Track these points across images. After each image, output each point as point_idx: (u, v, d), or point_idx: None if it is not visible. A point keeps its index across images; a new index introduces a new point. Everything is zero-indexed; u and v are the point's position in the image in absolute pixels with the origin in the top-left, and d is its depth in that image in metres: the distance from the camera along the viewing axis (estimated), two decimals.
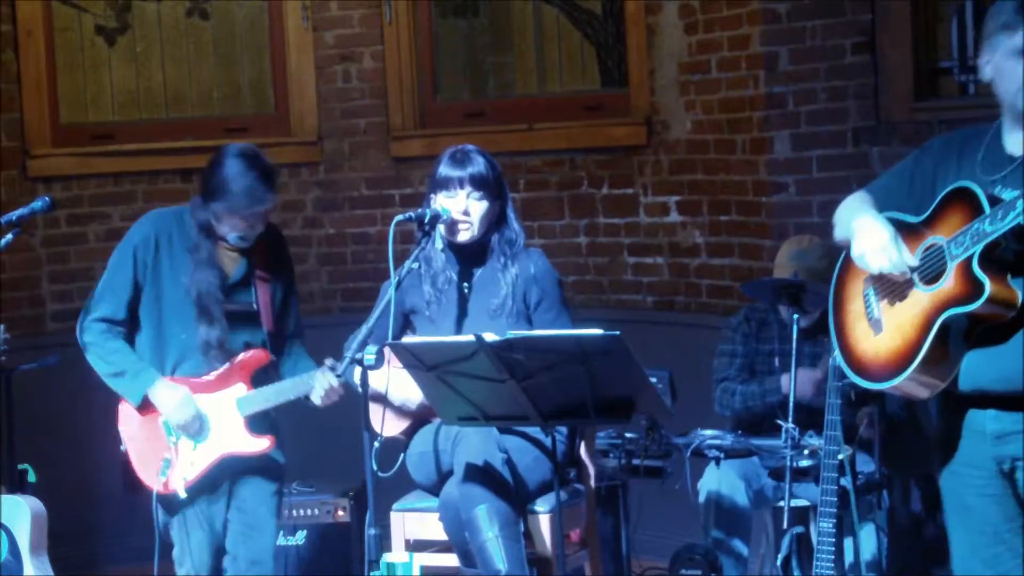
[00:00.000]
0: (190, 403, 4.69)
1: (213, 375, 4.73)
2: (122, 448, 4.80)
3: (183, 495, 4.69)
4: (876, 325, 3.57)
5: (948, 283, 3.42)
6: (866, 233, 3.53)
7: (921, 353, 3.43)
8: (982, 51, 3.52)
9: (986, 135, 3.55)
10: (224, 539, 4.78)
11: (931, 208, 3.51)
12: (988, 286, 3.34)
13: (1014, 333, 3.41)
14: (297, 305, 4.95)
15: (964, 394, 3.49)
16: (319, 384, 4.63)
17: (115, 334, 4.77)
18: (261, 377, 4.78)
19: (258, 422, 4.77)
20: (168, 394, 4.68)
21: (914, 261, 3.49)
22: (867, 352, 3.59)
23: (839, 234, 3.66)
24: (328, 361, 4.62)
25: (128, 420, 4.79)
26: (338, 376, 4.57)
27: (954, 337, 3.44)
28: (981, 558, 3.56)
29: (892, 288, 3.54)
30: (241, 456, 4.74)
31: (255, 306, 4.78)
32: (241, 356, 4.74)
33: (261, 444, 4.74)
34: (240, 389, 4.74)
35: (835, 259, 3.73)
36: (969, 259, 3.37)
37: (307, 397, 4.70)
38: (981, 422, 3.50)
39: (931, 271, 3.46)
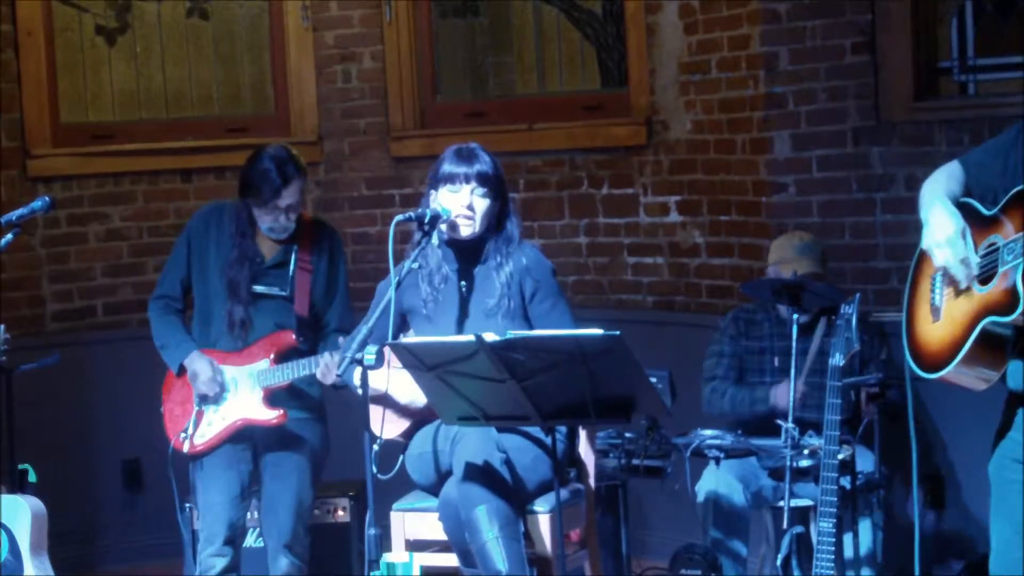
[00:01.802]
0: (213, 373, 5.16)
1: (243, 350, 5.19)
2: (160, 409, 5.29)
3: (185, 450, 5.17)
4: (936, 312, 3.54)
5: (994, 288, 3.38)
6: (936, 223, 3.48)
7: (963, 352, 3.41)
8: None
9: None
10: (243, 503, 5.23)
11: (1002, 202, 3.44)
12: None
13: None
14: (344, 301, 5.32)
15: (1016, 392, 3.48)
16: (323, 360, 5.02)
17: (170, 310, 5.32)
18: (290, 357, 5.17)
19: (286, 398, 5.19)
20: (196, 364, 5.18)
21: (976, 258, 3.44)
22: (923, 337, 3.57)
23: (921, 213, 3.58)
24: (341, 338, 5.00)
25: (170, 385, 5.29)
26: (338, 375, 4.60)
27: (1004, 342, 3.41)
28: (1016, 557, 3.53)
29: (955, 279, 3.50)
30: (258, 424, 5.15)
31: (287, 292, 5.21)
32: (269, 335, 5.18)
33: (273, 415, 5.15)
34: (263, 364, 5.17)
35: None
36: (1015, 268, 3.33)
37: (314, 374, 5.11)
38: None
39: (987, 270, 3.42)
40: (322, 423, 5.29)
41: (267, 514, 5.26)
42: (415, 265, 4.61)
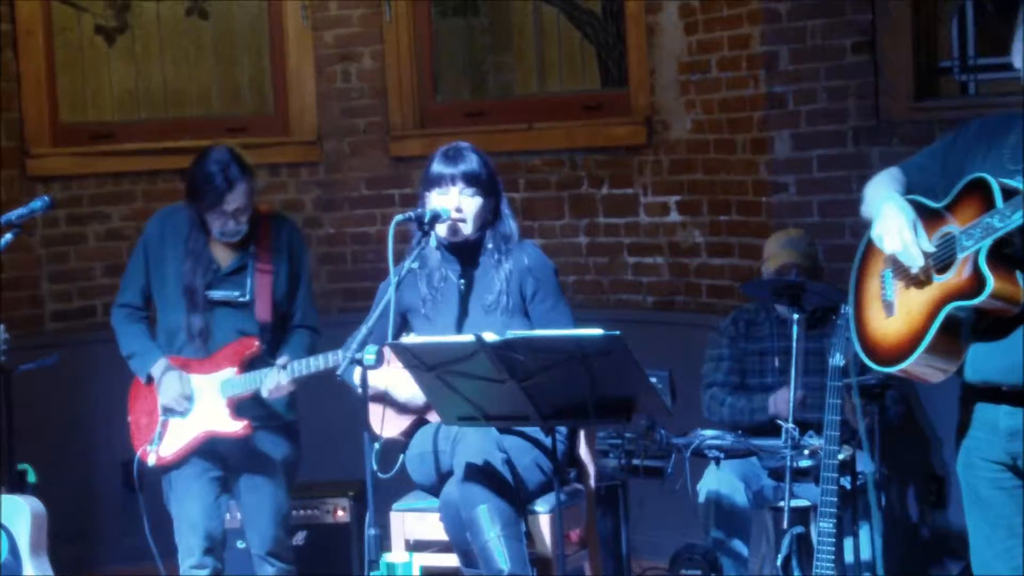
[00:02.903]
0: (179, 384, 5.04)
1: (208, 358, 5.06)
2: (127, 419, 5.18)
3: (150, 464, 5.08)
4: (889, 307, 3.59)
5: (955, 274, 3.44)
6: (887, 214, 3.55)
7: (925, 341, 3.46)
8: (1014, 39, 3.51)
9: (1018, 123, 3.53)
10: (218, 512, 5.13)
11: (951, 195, 3.51)
12: (991, 283, 3.36)
13: (1020, 326, 3.41)
14: (307, 295, 5.21)
15: (973, 385, 3.50)
16: (268, 379, 4.96)
17: (135, 318, 5.19)
18: (256, 364, 5.06)
19: (253, 412, 5.06)
20: (166, 376, 5.06)
21: (930, 247, 3.50)
22: (877, 332, 3.61)
23: (865, 211, 3.67)
24: (282, 359, 4.95)
25: (136, 395, 5.18)
26: (338, 375, 4.58)
27: (962, 326, 3.46)
28: (995, 551, 3.56)
29: (907, 272, 3.55)
30: (222, 436, 5.04)
31: (246, 297, 5.08)
32: (232, 343, 5.05)
33: (238, 426, 5.03)
34: (228, 373, 5.05)
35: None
36: (977, 253, 3.38)
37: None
38: (994, 417, 3.50)
39: (943, 260, 3.47)
40: (290, 430, 5.18)
41: (248, 526, 5.20)
42: (414, 265, 4.61)
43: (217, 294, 5.07)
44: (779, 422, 4.99)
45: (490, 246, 4.72)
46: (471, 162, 4.68)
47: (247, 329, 5.08)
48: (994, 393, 3.49)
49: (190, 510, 5.07)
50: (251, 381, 5.01)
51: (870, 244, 3.68)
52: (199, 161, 5.03)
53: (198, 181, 5.00)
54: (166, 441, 5.08)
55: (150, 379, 5.09)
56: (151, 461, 5.07)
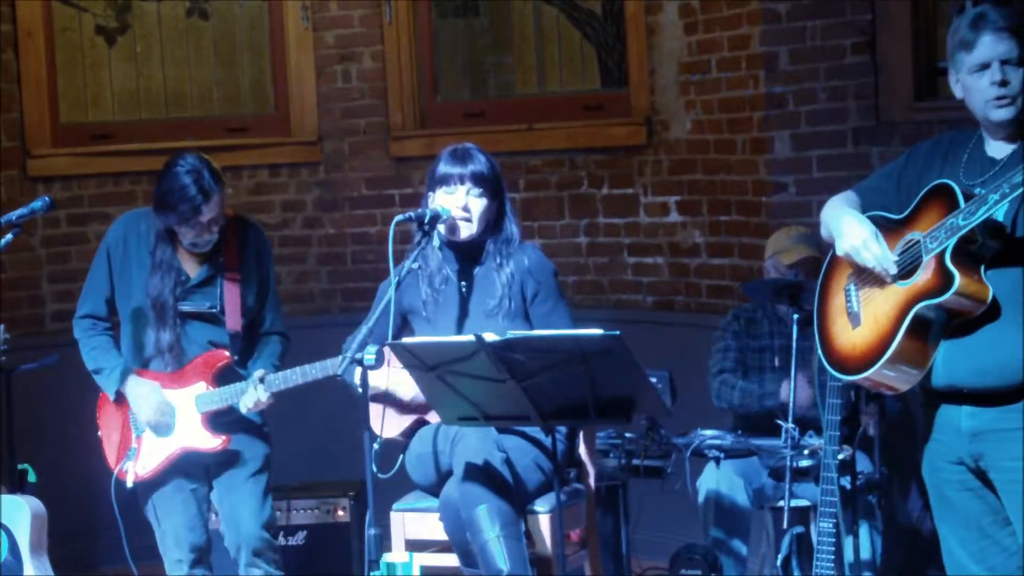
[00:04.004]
0: (155, 399, 4.91)
1: (177, 371, 4.94)
2: (98, 434, 5.07)
3: (129, 485, 4.94)
4: (855, 319, 3.65)
5: (922, 276, 3.50)
6: (849, 231, 3.62)
7: (893, 345, 3.51)
8: (950, 71, 3.61)
9: (971, 140, 3.64)
10: (201, 523, 5.00)
11: (912, 206, 3.59)
12: (958, 278, 3.41)
13: (986, 328, 3.45)
14: (274, 300, 5.08)
15: (938, 389, 3.53)
16: (247, 397, 4.84)
17: (99, 330, 5.02)
18: (227, 375, 4.95)
19: (226, 419, 4.95)
20: (138, 390, 4.92)
21: (894, 257, 3.56)
22: (845, 345, 3.67)
23: (824, 232, 3.76)
24: (258, 372, 4.84)
25: (105, 410, 5.05)
26: (338, 375, 4.58)
27: (931, 330, 3.50)
28: (968, 552, 3.59)
29: (871, 283, 3.63)
30: (200, 452, 4.94)
31: (217, 308, 4.95)
32: (201, 355, 4.94)
33: (216, 442, 4.92)
34: (200, 387, 4.93)
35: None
36: (943, 252, 3.45)
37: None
38: (957, 419, 3.54)
39: (907, 265, 3.54)
40: (264, 437, 5.04)
41: (229, 528, 4.99)
42: (415, 265, 4.61)
43: (187, 306, 4.93)
44: (779, 422, 4.99)
45: (492, 249, 4.72)
46: (479, 163, 4.68)
47: (216, 339, 4.96)
48: (956, 395, 3.52)
49: (174, 524, 4.96)
50: (226, 396, 4.89)
51: (832, 262, 3.76)
52: (169, 172, 4.80)
53: (171, 193, 4.77)
54: (142, 459, 4.94)
55: (119, 396, 4.94)
56: (129, 481, 4.93)
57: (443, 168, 4.68)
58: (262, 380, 4.81)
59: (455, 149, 4.73)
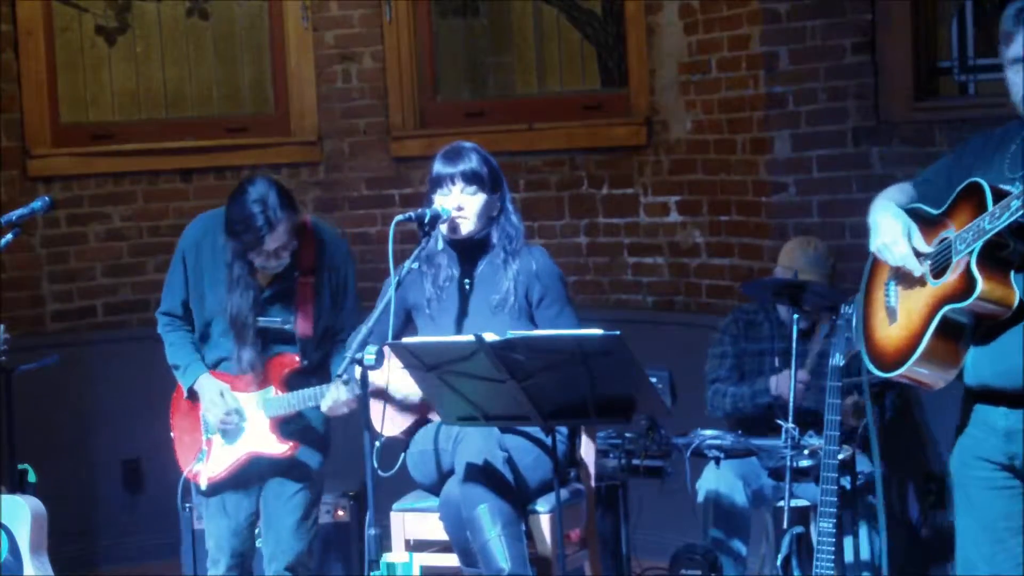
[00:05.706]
0: (226, 407, 4.89)
1: (248, 375, 4.91)
2: (171, 434, 5.04)
3: (203, 487, 4.93)
4: (892, 314, 3.64)
5: (950, 278, 3.48)
6: (882, 227, 3.62)
7: (922, 345, 3.50)
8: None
9: (1018, 133, 3.60)
10: (248, 530, 4.99)
11: (948, 201, 3.57)
12: (980, 284, 3.39)
13: (1013, 331, 3.44)
14: (353, 307, 5.00)
15: (972, 388, 3.53)
16: (329, 395, 4.75)
17: (176, 327, 5.02)
18: (296, 380, 4.91)
19: (292, 425, 4.93)
20: (209, 391, 4.91)
21: (929, 249, 3.55)
22: (881, 340, 3.65)
23: (869, 220, 3.73)
24: (343, 375, 4.67)
25: (178, 412, 5.04)
26: (345, 382, 4.58)
27: (962, 332, 3.49)
28: (980, 553, 3.58)
29: (908, 279, 3.60)
30: (267, 457, 4.91)
31: (291, 323, 4.90)
32: (271, 358, 4.91)
33: (284, 447, 4.90)
34: (270, 392, 4.91)
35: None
36: (969, 255, 3.42)
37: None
38: (993, 418, 3.53)
39: (940, 263, 3.52)
40: (324, 448, 5.03)
41: (268, 534, 4.98)
42: (415, 265, 4.61)
43: (263, 321, 4.89)
44: (779, 422, 4.99)
45: (495, 244, 4.72)
46: (469, 160, 4.68)
47: (287, 346, 4.93)
48: (991, 395, 3.51)
49: (220, 527, 4.95)
50: (294, 401, 4.86)
51: (876, 255, 3.73)
52: (237, 198, 4.74)
53: (237, 221, 4.72)
54: (212, 461, 4.93)
55: (192, 394, 4.95)
56: (203, 483, 4.92)
57: (436, 169, 4.70)
58: (347, 381, 4.65)
59: (447, 149, 4.74)
